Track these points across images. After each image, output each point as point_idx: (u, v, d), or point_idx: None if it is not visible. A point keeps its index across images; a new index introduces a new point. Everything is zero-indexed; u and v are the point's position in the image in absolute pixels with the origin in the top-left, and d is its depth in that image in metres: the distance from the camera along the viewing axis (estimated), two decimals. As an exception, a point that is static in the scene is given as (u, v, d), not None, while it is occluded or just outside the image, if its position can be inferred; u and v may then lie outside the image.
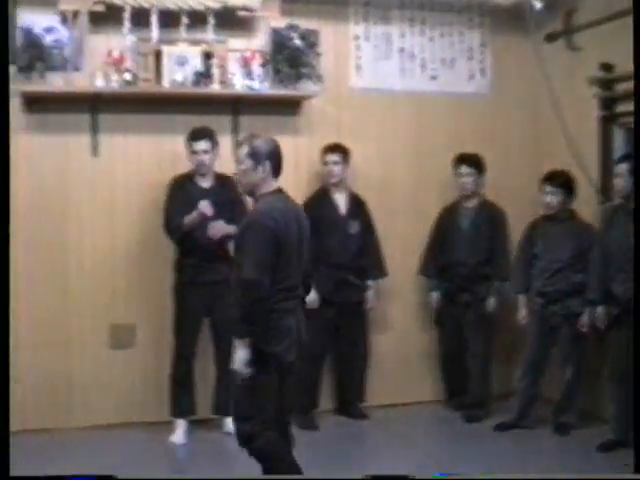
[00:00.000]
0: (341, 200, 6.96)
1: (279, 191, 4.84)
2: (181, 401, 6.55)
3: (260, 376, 4.65)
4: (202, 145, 6.38)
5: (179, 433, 6.46)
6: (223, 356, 6.33)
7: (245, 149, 4.77)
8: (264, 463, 4.77)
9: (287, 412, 4.99)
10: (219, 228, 6.28)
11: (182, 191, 6.46)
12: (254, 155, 4.73)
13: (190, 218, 6.26)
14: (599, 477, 5.34)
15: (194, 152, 6.41)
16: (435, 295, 7.14)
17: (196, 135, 6.40)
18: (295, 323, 4.78)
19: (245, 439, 4.75)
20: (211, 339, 6.60)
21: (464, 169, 6.99)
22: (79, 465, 5.74)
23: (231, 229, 6.13)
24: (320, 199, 6.93)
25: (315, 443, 6.46)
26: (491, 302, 6.98)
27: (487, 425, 6.84)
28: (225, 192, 6.42)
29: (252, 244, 4.60)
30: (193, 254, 6.37)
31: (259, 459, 4.77)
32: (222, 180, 6.50)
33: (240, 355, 4.60)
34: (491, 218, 7.05)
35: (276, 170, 4.80)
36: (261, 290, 4.55)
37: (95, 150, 6.70)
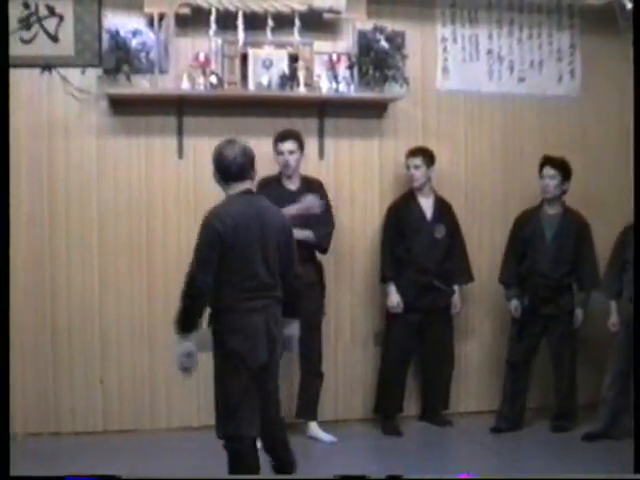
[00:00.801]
0: (427, 204, 6.87)
1: (245, 193, 4.82)
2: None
3: (228, 376, 4.69)
4: (288, 145, 6.38)
5: (261, 437, 6.45)
6: (306, 360, 6.36)
7: None
8: (233, 463, 4.79)
9: (273, 420, 4.97)
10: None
11: (268, 193, 6.45)
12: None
13: None
14: (599, 477, 5.26)
15: (280, 152, 6.42)
16: (515, 303, 6.89)
17: (283, 136, 6.41)
18: (264, 323, 4.75)
19: (225, 438, 4.79)
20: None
21: (547, 171, 6.81)
22: (163, 466, 5.78)
23: (305, 234, 6.22)
24: (406, 203, 6.87)
25: (398, 449, 6.46)
26: (579, 314, 6.82)
27: (574, 435, 6.71)
28: (311, 195, 6.41)
29: (198, 243, 4.69)
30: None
31: (231, 458, 4.79)
32: (309, 183, 6.50)
33: (178, 350, 4.67)
34: (575, 227, 6.84)
35: (225, 175, 4.80)
36: (201, 287, 4.64)
37: (180, 152, 6.72)
